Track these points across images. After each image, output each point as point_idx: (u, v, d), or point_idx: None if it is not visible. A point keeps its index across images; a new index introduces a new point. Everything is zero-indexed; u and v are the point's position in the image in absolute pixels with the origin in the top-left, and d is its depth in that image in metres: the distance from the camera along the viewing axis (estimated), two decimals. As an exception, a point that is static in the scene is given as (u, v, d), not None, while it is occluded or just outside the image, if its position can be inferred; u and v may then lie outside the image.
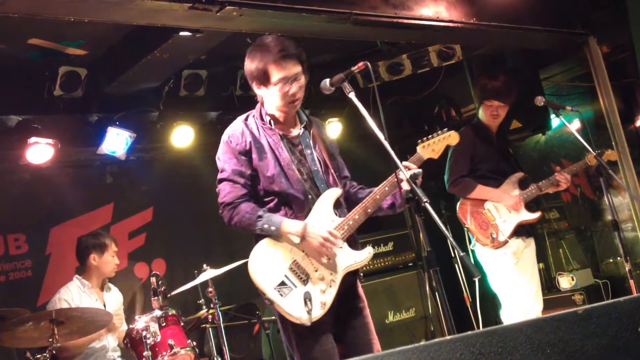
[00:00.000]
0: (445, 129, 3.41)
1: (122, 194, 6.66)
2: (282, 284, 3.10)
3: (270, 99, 3.28)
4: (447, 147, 3.49)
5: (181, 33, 4.75)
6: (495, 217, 4.84)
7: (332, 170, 3.36)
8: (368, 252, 3.25)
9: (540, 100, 4.85)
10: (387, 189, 3.21)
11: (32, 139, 5.40)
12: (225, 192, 3.23)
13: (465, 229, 4.95)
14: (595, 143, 4.91)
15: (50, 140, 5.46)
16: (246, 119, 3.34)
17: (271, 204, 3.23)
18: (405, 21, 5.12)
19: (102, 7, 3.91)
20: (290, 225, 3.14)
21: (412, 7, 5.16)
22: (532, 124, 6.84)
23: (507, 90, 4.98)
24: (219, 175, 3.29)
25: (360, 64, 3.12)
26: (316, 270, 3.16)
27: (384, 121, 2.90)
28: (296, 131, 3.36)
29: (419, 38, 5.95)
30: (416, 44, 6.42)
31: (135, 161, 6.66)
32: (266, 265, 3.13)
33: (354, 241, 3.30)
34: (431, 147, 3.35)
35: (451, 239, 2.71)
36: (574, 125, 6.48)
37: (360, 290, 3.38)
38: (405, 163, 3.20)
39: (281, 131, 3.31)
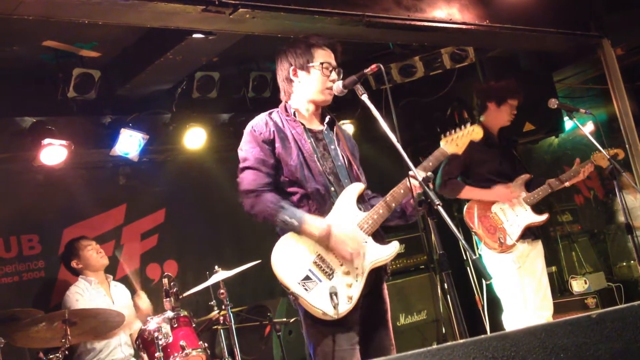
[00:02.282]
0: (469, 124, 3.37)
1: (135, 195, 6.68)
2: (307, 278, 3.02)
3: (309, 84, 3.29)
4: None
5: (194, 35, 4.76)
6: (503, 220, 4.80)
7: (355, 167, 3.34)
8: (394, 246, 3.17)
9: (553, 103, 4.84)
10: (408, 184, 3.10)
11: (46, 141, 5.43)
12: (248, 179, 3.17)
13: (472, 233, 4.91)
14: (608, 146, 4.89)
15: (63, 142, 5.49)
16: (270, 114, 3.34)
17: (294, 197, 3.18)
18: (418, 23, 5.12)
19: (115, 9, 3.93)
20: (313, 224, 3.06)
21: (425, 9, 5.15)
22: (546, 126, 6.81)
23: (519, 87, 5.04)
24: (241, 165, 3.23)
25: (373, 66, 3.11)
26: (341, 265, 3.08)
27: (396, 123, 2.89)
28: (320, 127, 3.37)
29: (432, 40, 5.94)
30: (429, 46, 6.40)
31: (148, 163, 6.68)
32: (290, 260, 3.06)
33: (380, 236, 3.23)
34: (455, 142, 3.32)
35: (463, 242, 2.70)
36: (588, 128, 6.46)
37: (385, 292, 3.31)
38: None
39: (305, 124, 3.30)
